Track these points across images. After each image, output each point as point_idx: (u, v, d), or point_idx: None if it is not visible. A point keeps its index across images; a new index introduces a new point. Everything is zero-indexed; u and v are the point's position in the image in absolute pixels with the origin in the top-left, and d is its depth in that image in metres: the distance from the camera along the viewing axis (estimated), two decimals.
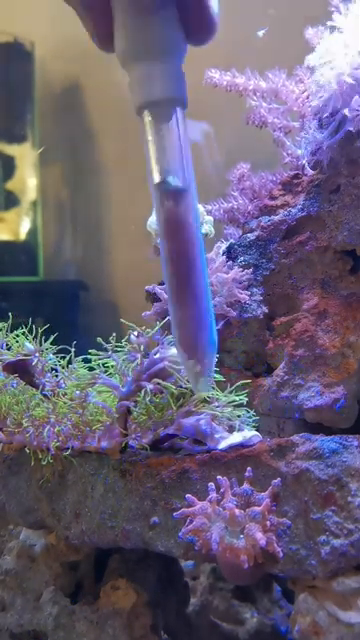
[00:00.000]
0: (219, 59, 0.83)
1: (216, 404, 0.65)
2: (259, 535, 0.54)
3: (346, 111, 0.69)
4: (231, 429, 0.64)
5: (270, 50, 0.96)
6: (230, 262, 0.80)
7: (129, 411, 0.64)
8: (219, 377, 0.65)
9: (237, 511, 0.56)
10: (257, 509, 0.56)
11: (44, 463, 0.66)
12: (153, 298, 0.82)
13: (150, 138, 0.43)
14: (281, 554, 0.55)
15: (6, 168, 1.78)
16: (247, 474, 0.58)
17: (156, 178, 0.43)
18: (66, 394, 0.68)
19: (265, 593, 0.86)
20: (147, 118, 0.43)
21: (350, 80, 0.68)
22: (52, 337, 0.72)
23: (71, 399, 0.67)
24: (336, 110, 0.71)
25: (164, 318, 0.77)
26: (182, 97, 0.44)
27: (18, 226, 1.81)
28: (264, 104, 0.83)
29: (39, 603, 0.72)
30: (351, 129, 0.70)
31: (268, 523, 0.55)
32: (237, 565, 0.55)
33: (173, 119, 0.43)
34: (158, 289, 0.80)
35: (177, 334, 0.46)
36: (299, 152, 0.80)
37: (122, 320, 0.66)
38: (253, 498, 0.57)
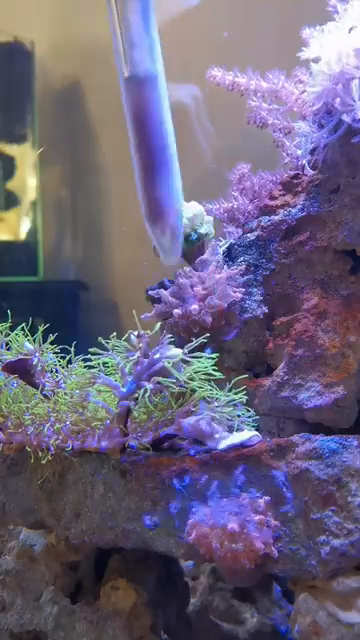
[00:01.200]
0: (220, 58, 0.83)
1: (216, 404, 0.65)
2: (259, 544, 0.54)
3: (337, 103, 0.68)
4: (231, 429, 0.64)
5: (270, 50, 0.96)
6: (221, 261, 0.79)
7: (129, 411, 0.64)
8: (219, 375, 0.65)
9: (236, 526, 0.55)
10: (255, 518, 0.56)
11: (44, 462, 0.66)
12: (153, 299, 0.82)
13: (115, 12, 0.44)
14: (276, 554, 0.55)
15: (6, 168, 1.78)
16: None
17: (125, 71, 0.44)
18: (66, 394, 0.68)
19: (265, 593, 0.86)
20: None
21: (339, 69, 0.67)
22: (52, 337, 0.72)
23: (71, 398, 0.67)
24: (331, 106, 0.71)
25: (165, 319, 0.77)
26: None
27: (18, 226, 1.81)
28: (264, 105, 0.82)
29: (39, 603, 0.72)
30: (346, 119, 0.69)
31: (265, 528, 0.55)
32: (237, 568, 0.55)
33: None
34: (162, 291, 0.79)
35: (144, 206, 0.46)
36: (299, 152, 0.80)
37: (134, 312, 0.66)
38: (252, 502, 0.57)
